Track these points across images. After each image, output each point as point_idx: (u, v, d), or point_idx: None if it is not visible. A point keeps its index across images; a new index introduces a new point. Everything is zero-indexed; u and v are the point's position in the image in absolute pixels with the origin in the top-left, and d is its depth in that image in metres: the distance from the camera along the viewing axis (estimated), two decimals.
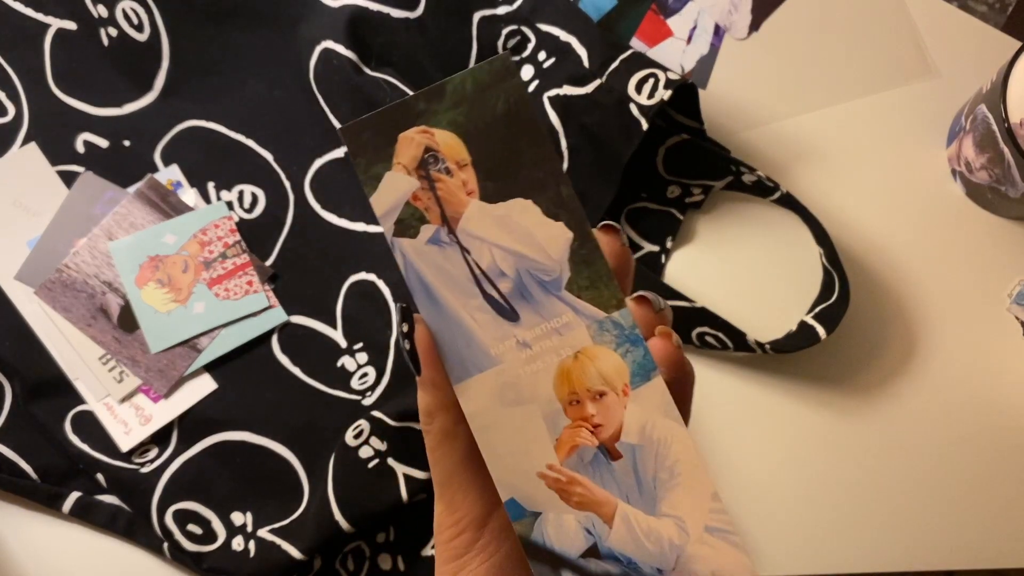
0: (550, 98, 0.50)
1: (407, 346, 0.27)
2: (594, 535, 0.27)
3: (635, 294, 0.28)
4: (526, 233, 0.27)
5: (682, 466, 0.27)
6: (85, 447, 0.49)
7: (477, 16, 0.53)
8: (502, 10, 0.52)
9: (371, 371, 0.51)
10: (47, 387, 0.50)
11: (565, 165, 0.50)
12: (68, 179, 0.52)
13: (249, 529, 0.49)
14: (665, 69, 0.49)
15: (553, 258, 0.27)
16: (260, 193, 0.53)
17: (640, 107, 0.48)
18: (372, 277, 0.51)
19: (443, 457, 0.29)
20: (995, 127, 0.47)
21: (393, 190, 0.27)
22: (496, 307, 0.27)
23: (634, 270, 0.29)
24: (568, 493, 0.27)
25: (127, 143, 0.53)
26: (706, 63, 0.56)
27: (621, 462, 0.27)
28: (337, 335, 0.51)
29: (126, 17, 0.53)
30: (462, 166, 0.27)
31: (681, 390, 0.28)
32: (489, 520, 0.29)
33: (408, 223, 0.27)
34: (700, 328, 0.50)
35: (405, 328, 0.27)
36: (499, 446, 0.27)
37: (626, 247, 0.29)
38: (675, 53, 0.56)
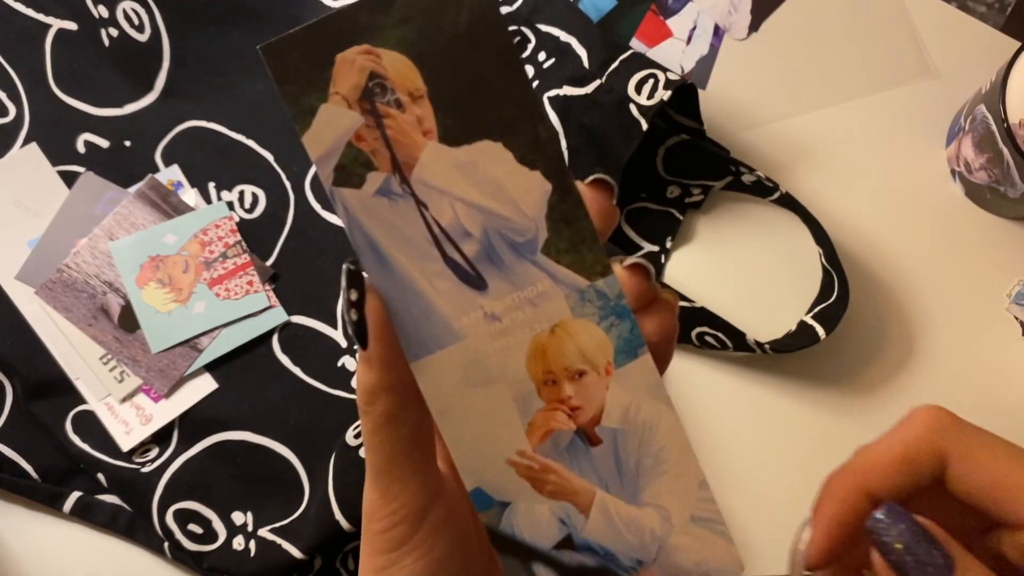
0: (550, 98, 0.50)
1: (353, 317, 0.23)
2: (569, 526, 0.24)
3: (628, 261, 0.24)
4: (495, 184, 0.23)
5: (668, 452, 0.24)
6: (86, 447, 0.50)
7: None
8: (502, 10, 0.52)
9: None
10: (48, 387, 0.50)
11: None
12: (69, 179, 0.52)
13: (250, 528, 0.49)
14: (665, 69, 0.49)
15: (527, 215, 0.23)
16: (261, 193, 0.53)
17: (640, 107, 0.48)
18: None
19: (383, 443, 0.25)
20: (994, 127, 0.47)
21: (331, 127, 0.22)
22: (460, 273, 0.23)
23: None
24: (541, 482, 0.24)
25: (128, 143, 0.53)
26: (706, 63, 0.56)
27: (601, 447, 0.24)
28: (337, 335, 0.51)
29: (127, 17, 0.53)
30: (416, 98, 0.22)
31: (664, 353, 0.25)
32: (428, 514, 0.25)
33: (351, 169, 0.22)
34: (699, 328, 0.50)
35: (353, 296, 0.23)
36: (464, 431, 0.24)
37: (615, 208, 0.25)
38: (675, 53, 0.56)
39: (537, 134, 0.23)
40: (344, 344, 0.51)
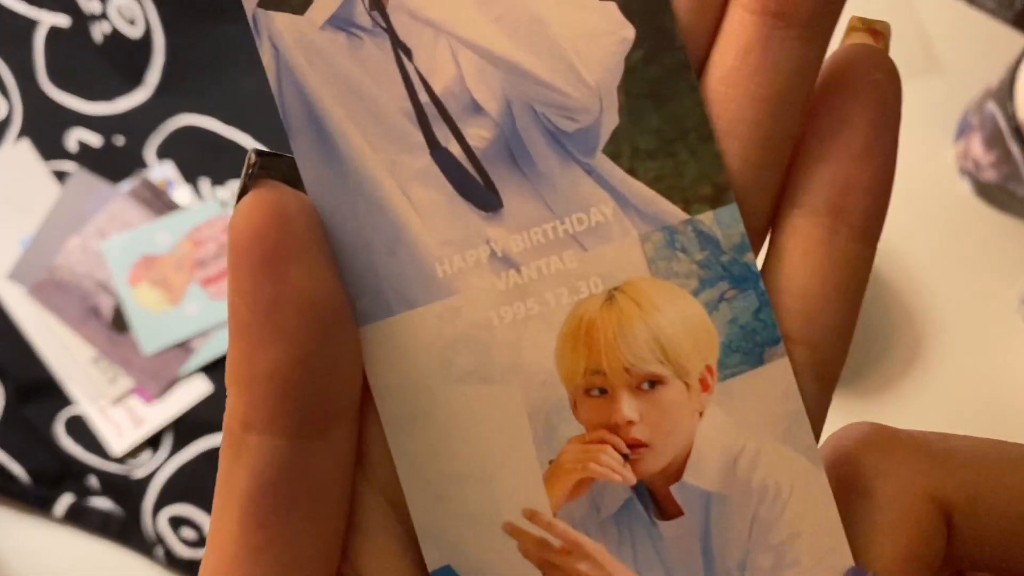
0: None
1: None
2: None
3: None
4: (535, 22, 0.13)
5: (804, 546, 0.14)
6: (77, 450, 0.49)
7: None
8: None
9: None
10: (39, 389, 0.50)
11: None
12: (61, 177, 0.52)
13: None
14: None
15: (586, 81, 0.13)
16: None
17: None
18: None
19: (227, 484, 0.14)
20: (1003, 125, 0.47)
21: None
22: (456, 178, 0.14)
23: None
24: (562, 571, 0.14)
25: (120, 140, 0.53)
26: None
27: (678, 523, 0.14)
28: None
29: (119, 13, 0.52)
30: None
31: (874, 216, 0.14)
32: None
33: None
34: None
35: (249, 176, 0.13)
36: (432, 462, 0.14)
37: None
38: None
39: None
40: None
